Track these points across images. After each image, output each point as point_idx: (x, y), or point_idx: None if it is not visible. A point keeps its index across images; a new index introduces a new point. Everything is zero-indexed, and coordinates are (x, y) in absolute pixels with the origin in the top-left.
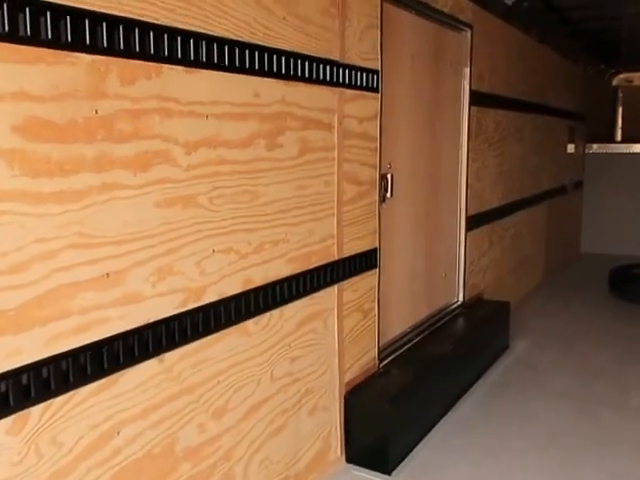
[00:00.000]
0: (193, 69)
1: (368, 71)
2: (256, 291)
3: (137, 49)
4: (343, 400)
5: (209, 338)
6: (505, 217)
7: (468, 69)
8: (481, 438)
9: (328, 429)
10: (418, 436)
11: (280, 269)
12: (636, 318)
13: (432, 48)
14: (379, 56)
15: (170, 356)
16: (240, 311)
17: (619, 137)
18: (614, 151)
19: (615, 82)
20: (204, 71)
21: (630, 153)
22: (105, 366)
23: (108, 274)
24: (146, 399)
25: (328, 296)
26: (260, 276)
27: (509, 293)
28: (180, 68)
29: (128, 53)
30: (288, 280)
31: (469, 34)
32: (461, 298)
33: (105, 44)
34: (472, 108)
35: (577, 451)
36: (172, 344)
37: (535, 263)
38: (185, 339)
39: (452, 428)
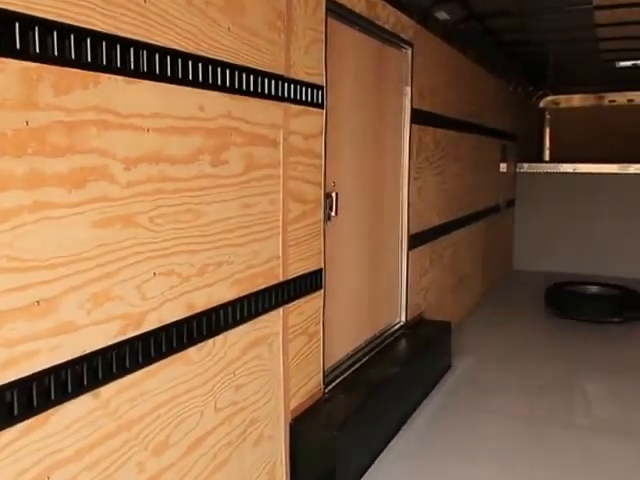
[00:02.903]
0: (134, 79)
1: (313, 86)
2: (199, 316)
3: (73, 56)
4: (289, 428)
5: (149, 369)
6: (444, 235)
7: (409, 87)
8: (431, 460)
9: (273, 460)
10: (367, 462)
11: (224, 292)
12: (572, 335)
13: (375, 65)
14: (324, 71)
15: (106, 390)
16: (182, 338)
17: (547, 157)
18: (543, 170)
19: (543, 104)
20: (146, 82)
21: (557, 172)
22: (34, 404)
23: (39, 301)
24: (80, 439)
25: (273, 320)
26: (203, 300)
27: (449, 312)
28: (120, 78)
29: (63, 60)
30: (232, 304)
31: (410, 52)
32: (404, 318)
33: (37, 50)
34: (413, 126)
35: (526, 470)
36: (109, 377)
37: (473, 281)
38: (123, 371)
39: (401, 452)
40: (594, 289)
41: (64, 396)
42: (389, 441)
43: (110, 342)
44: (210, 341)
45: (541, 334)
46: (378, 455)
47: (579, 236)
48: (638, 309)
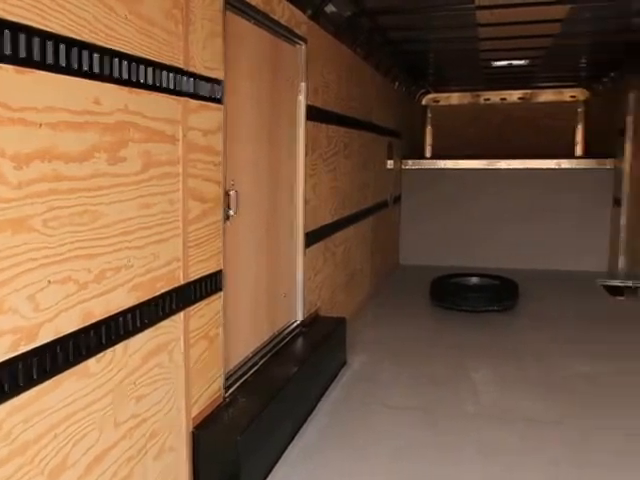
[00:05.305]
0: (25, 69)
1: (212, 81)
2: (97, 325)
3: None
4: (191, 437)
5: (45, 385)
6: (337, 233)
7: (304, 83)
8: (331, 455)
9: (176, 472)
10: (271, 462)
11: (123, 299)
12: (456, 324)
13: (271, 61)
14: (223, 66)
15: None
16: (80, 350)
17: (429, 154)
18: (426, 167)
19: (424, 102)
20: (39, 72)
21: (439, 169)
22: None
23: None
24: None
25: (174, 325)
26: (101, 308)
27: (342, 308)
28: (10, 67)
29: None
30: (132, 310)
31: (304, 48)
32: (300, 317)
33: None
34: (308, 123)
35: (423, 462)
36: (0, 397)
37: (363, 277)
38: (17, 389)
39: (303, 448)
40: (475, 280)
41: None
42: (292, 439)
43: (1, 359)
44: (110, 351)
45: (428, 325)
46: (282, 454)
47: (460, 230)
48: (514, 297)
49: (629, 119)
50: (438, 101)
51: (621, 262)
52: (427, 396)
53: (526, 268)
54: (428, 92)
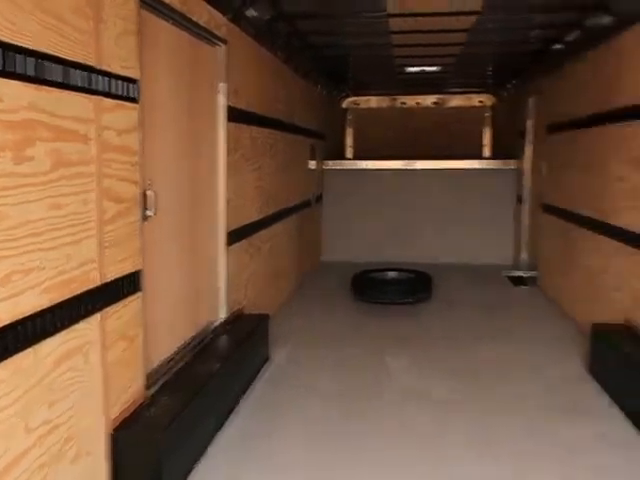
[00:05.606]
0: None
1: (127, 80)
2: (4, 330)
3: None
4: (110, 440)
5: None
6: (262, 230)
7: (224, 84)
8: (255, 448)
9: (93, 475)
10: (194, 459)
11: (34, 301)
12: (375, 316)
13: (190, 61)
14: (138, 64)
15: None
16: None
17: (350, 155)
18: (346, 167)
19: (345, 104)
20: None
21: (359, 169)
22: None
23: None
24: None
25: (90, 327)
26: (9, 312)
27: (267, 305)
28: None
29: None
30: (44, 313)
31: (224, 49)
32: (224, 314)
33: None
34: (229, 124)
35: (342, 448)
36: None
37: (289, 274)
38: None
39: (226, 444)
40: (392, 274)
41: None
42: (215, 435)
43: None
44: (19, 356)
45: (349, 318)
46: (205, 450)
47: (379, 227)
48: (428, 290)
49: (529, 122)
50: (358, 104)
51: (524, 255)
52: (347, 384)
53: (440, 262)
54: (348, 95)
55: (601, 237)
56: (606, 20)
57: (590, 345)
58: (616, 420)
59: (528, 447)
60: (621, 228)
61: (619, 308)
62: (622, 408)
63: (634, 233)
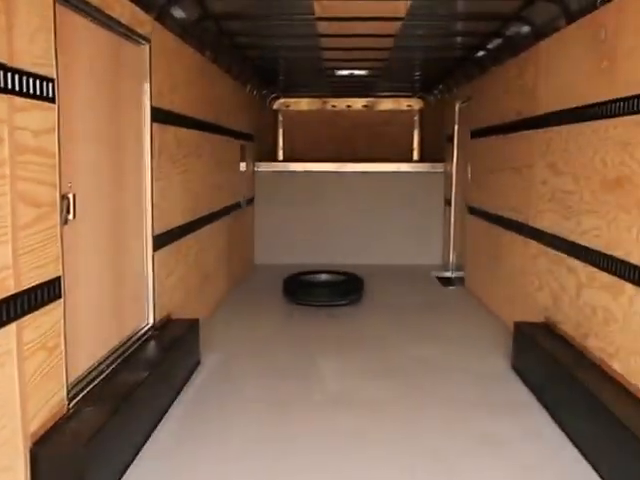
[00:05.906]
0: None
1: (42, 78)
2: None
3: None
4: (29, 454)
5: None
6: (190, 234)
7: (148, 84)
8: (184, 457)
9: None
10: (120, 470)
11: None
12: (307, 319)
13: (111, 60)
14: (54, 62)
15: None
16: None
17: (281, 156)
18: (277, 169)
19: (276, 106)
20: None
21: (290, 171)
22: None
23: None
24: None
25: (5, 337)
26: None
27: (197, 309)
28: None
29: None
30: None
31: (148, 48)
32: (151, 320)
33: None
34: (154, 125)
35: (273, 454)
36: None
37: (218, 277)
38: None
39: (154, 453)
40: (324, 277)
41: None
42: (143, 444)
43: None
44: None
45: (281, 321)
46: (133, 459)
47: (311, 230)
48: (360, 291)
49: (456, 127)
50: (289, 106)
51: (452, 256)
52: (278, 387)
53: (371, 264)
54: (279, 97)
55: (523, 239)
56: (525, 30)
57: (513, 343)
58: (535, 413)
59: (447, 443)
60: (542, 230)
61: (540, 307)
62: (541, 401)
63: (554, 235)
